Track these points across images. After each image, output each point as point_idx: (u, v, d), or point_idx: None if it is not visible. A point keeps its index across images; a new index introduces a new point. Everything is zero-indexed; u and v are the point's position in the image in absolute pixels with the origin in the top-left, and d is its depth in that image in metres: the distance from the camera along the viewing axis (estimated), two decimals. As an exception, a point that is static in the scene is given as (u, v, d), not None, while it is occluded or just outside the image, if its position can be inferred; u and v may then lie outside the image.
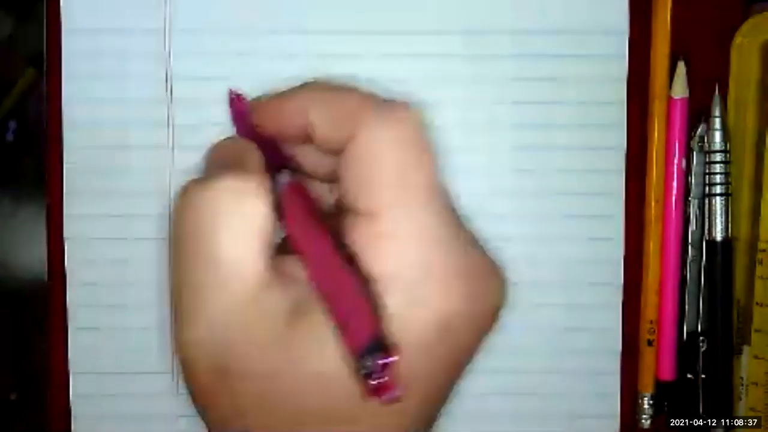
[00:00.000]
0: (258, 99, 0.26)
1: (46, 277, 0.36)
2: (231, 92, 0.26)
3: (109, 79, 0.36)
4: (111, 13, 0.35)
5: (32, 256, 0.36)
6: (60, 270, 0.36)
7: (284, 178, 0.24)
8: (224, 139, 0.26)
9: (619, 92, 0.36)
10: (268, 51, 0.36)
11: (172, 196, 0.36)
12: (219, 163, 0.25)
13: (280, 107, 0.25)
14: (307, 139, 0.24)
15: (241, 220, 0.23)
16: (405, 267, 0.22)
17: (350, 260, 0.22)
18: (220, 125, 0.35)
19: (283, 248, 0.24)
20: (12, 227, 0.36)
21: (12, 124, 0.36)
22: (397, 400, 0.20)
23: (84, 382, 0.36)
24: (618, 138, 0.36)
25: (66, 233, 0.36)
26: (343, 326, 0.21)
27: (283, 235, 0.24)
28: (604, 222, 0.37)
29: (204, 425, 0.24)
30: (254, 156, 0.25)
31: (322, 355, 0.22)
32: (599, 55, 0.36)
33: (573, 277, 0.37)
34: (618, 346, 0.37)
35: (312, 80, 0.25)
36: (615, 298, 0.37)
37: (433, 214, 0.23)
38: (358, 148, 0.23)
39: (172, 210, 0.24)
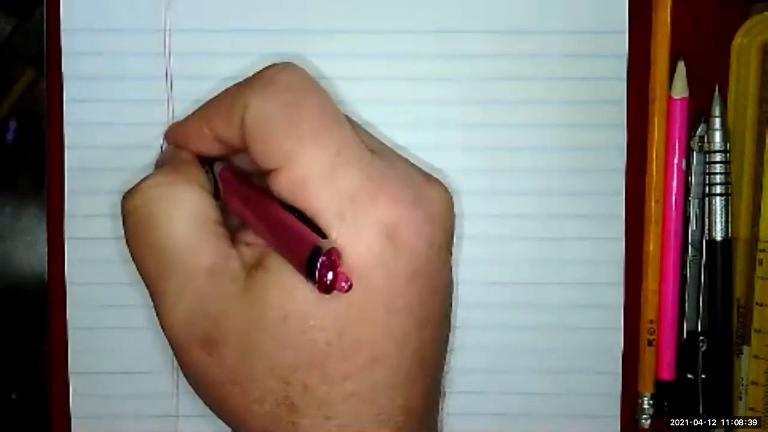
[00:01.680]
0: (167, 131, 0.29)
1: (46, 277, 0.36)
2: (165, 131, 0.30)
3: (108, 79, 0.36)
4: (110, 12, 0.35)
5: (32, 256, 0.36)
6: (60, 270, 0.36)
7: (218, 166, 0.28)
8: (163, 151, 0.30)
9: (620, 92, 0.36)
10: (269, 51, 0.36)
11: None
12: (155, 167, 0.28)
13: (182, 128, 0.28)
14: (226, 147, 0.27)
15: (176, 208, 0.25)
16: (331, 196, 0.23)
17: (291, 210, 0.24)
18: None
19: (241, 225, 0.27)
20: (12, 227, 0.36)
21: (12, 124, 0.36)
22: (350, 287, 0.22)
23: (84, 382, 0.36)
24: (618, 138, 0.36)
25: (66, 233, 0.36)
26: (289, 252, 0.23)
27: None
28: (604, 222, 0.37)
29: (210, 409, 0.26)
30: (185, 155, 0.28)
31: (284, 297, 0.23)
32: (599, 54, 0.36)
33: (573, 276, 0.37)
34: (618, 345, 0.37)
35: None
36: (615, 297, 0.37)
37: (339, 138, 0.24)
38: (248, 123, 0.24)
39: (122, 211, 0.26)
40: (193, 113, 0.28)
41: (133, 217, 0.26)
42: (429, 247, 0.24)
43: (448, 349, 0.27)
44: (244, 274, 0.24)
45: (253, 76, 0.25)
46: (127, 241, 0.26)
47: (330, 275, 0.22)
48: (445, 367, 0.27)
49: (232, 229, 0.27)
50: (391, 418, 0.24)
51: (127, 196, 0.26)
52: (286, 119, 0.24)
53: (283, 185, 0.24)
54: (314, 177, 0.23)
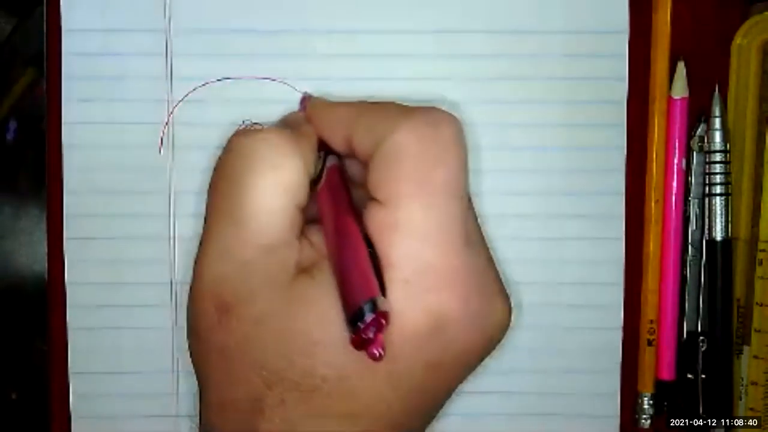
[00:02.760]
0: (317, 100, 0.29)
1: (46, 277, 0.36)
2: (304, 95, 0.30)
3: (108, 79, 0.36)
4: (110, 12, 0.35)
5: (32, 256, 0.36)
6: (60, 270, 0.36)
7: (331, 160, 0.27)
8: (294, 112, 0.29)
9: (620, 92, 0.36)
10: (268, 51, 0.36)
11: (172, 195, 0.36)
12: (277, 124, 0.27)
13: (327, 113, 0.27)
14: (349, 149, 0.26)
15: (273, 172, 0.24)
16: (409, 259, 0.23)
17: (369, 244, 0.24)
18: (220, 125, 0.35)
19: (315, 220, 0.26)
20: (12, 227, 0.36)
21: (12, 124, 0.36)
22: (380, 358, 0.22)
23: (84, 382, 0.36)
24: (618, 138, 0.36)
25: (66, 233, 0.36)
26: (346, 284, 0.23)
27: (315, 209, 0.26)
28: (604, 221, 0.37)
29: (193, 367, 0.26)
30: (309, 130, 0.27)
31: (315, 317, 0.23)
32: (599, 54, 0.36)
33: (573, 276, 0.37)
34: (618, 345, 0.37)
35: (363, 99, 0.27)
36: (615, 297, 0.37)
37: (449, 213, 0.24)
38: (386, 147, 0.24)
39: (229, 144, 0.26)
40: (345, 105, 0.27)
41: (233, 156, 0.25)
42: (465, 364, 0.24)
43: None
44: (294, 271, 0.24)
45: (417, 108, 0.25)
46: (215, 171, 0.26)
47: (370, 335, 0.22)
48: None
49: (307, 218, 0.26)
50: None
51: (240, 133, 0.25)
52: (419, 164, 0.23)
53: (377, 221, 0.23)
54: (406, 232, 0.23)
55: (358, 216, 0.24)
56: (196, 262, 0.25)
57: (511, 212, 0.37)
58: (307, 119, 0.28)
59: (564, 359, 0.37)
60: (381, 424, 0.24)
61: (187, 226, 0.36)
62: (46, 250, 0.36)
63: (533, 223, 0.37)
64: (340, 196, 0.26)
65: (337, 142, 0.27)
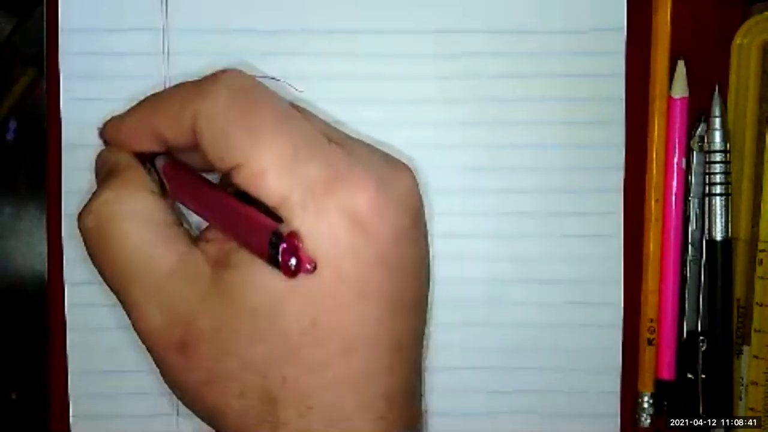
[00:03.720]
0: (102, 128, 0.29)
1: (46, 276, 0.36)
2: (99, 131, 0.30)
3: (107, 78, 0.36)
4: (109, 12, 0.35)
5: (32, 255, 0.36)
6: (60, 270, 0.36)
7: (161, 160, 0.27)
8: (99, 153, 0.29)
9: (618, 89, 0.36)
10: (267, 50, 0.36)
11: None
12: (99, 177, 0.28)
13: (121, 125, 0.28)
14: (163, 142, 0.26)
15: (128, 221, 0.25)
16: (291, 186, 0.23)
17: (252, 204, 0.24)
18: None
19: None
20: (12, 227, 0.36)
21: (12, 124, 0.36)
22: (315, 269, 0.22)
23: (84, 383, 0.36)
24: (617, 135, 0.36)
25: (66, 233, 0.36)
26: (248, 241, 0.24)
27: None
28: (603, 220, 0.37)
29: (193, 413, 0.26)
30: (125, 158, 0.27)
31: (253, 291, 0.23)
32: (598, 52, 0.36)
33: (572, 275, 0.37)
34: (617, 344, 0.37)
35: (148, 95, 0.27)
36: (615, 297, 0.37)
37: (293, 133, 0.24)
38: (200, 126, 0.24)
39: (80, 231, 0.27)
40: (132, 111, 0.27)
41: (90, 238, 0.26)
42: (396, 232, 0.24)
43: (426, 331, 0.27)
44: (209, 272, 0.24)
45: (200, 80, 0.25)
46: (90, 258, 0.27)
47: (293, 260, 0.22)
48: (424, 351, 0.27)
49: (191, 227, 0.27)
50: (373, 405, 0.24)
51: (81, 217, 0.26)
52: (241, 119, 0.24)
53: (243, 180, 0.24)
54: (274, 169, 0.23)
55: (219, 187, 0.25)
56: (135, 329, 0.26)
57: (510, 210, 0.37)
58: (111, 143, 0.29)
59: (564, 358, 0.37)
60: (382, 343, 0.24)
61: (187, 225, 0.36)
62: (46, 250, 0.36)
63: (533, 220, 0.37)
64: (192, 183, 0.26)
65: (151, 146, 0.27)
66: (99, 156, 0.29)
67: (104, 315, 0.36)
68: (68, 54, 0.36)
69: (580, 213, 0.37)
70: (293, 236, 0.22)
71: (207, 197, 0.26)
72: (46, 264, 0.36)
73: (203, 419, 0.25)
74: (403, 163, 0.26)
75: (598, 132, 0.36)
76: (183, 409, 0.36)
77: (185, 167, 0.27)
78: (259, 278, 0.23)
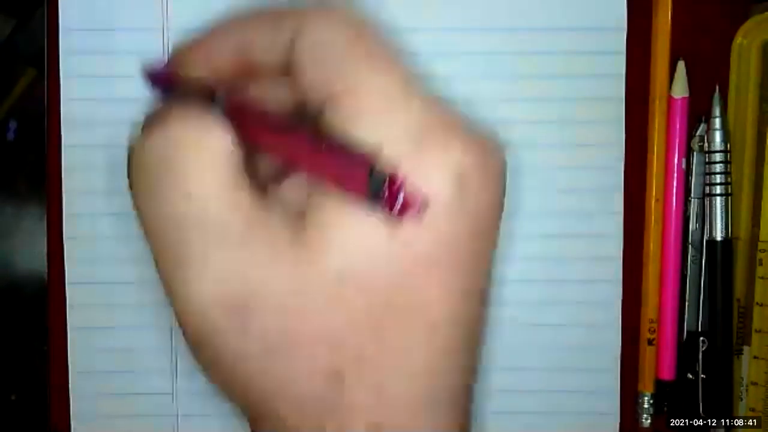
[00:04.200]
0: (175, 52, 0.24)
1: (46, 277, 0.36)
2: (145, 69, 0.25)
3: (107, 78, 0.36)
4: (109, 12, 0.35)
5: (32, 255, 0.36)
6: (60, 270, 0.36)
7: (220, 97, 0.23)
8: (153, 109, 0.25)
9: (618, 89, 0.36)
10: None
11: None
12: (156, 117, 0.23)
13: (207, 48, 0.24)
14: (246, 68, 0.23)
15: (205, 152, 0.21)
16: (398, 130, 0.20)
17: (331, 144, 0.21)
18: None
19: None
20: (12, 227, 0.36)
21: (12, 124, 0.36)
22: (424, 209, 0.19)
23: (84, 382, 0.36)
24: (617, 134, 0.36)
25: (66, 233, 0.36)
26: (341, 182, 0.20)
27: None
28: (603, 220, 0.37)
29: (211, 383, 0.22)
30: (198, 87, 0.23)
31: (342, 254, 0.20)
32: (598, 52, 0.36)
33: (573, 275, 0.37)
34: (618, 345, 0.37)
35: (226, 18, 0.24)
36: (615, 296, 0.37)
37: (402, 72, 0.21)
38: (301, 46, 0.21)
39: (135, 151, 0.22)
40: (213, 31, 0.24)
41: (155, 157, 0.22)
42: (494, 205, 0.22)
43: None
44: (289, 231, 0.21)
45: (303, 7, 0.22)
46: (137, 191, 0.22)
47: (401, 199, 0.19)
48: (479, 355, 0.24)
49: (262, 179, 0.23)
50: (438, 396, 0.22)
51: (144, 143, 0.22)
52: (348, 45, 0.21)
53: (342, 115, 0.21)
54: (381, 107, 0.20)
55: (301, 125, 0.22)
56: (179, 292, 0.22)
57: (510, 210, 0.36)
58: (186, 69, 0.24)
59: (564, 358, 0.37)
60: (460, 326, 0.21)
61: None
62: (46, 250, 0.36)
63: (532, 220, 0.37)
64: (263, 118, 0.23)
65: (231, 67, 0.23)
66: (170, 92, 0.25)
67: (104, 315, 0.36)
68: (68, 54, 0.36)
69: (581, 213, 0.37)
70: (399, 174, 0.19)
71: (285, 134, 0.22)
72: (46, 264, 0.36)
73: (245, 405, 0.22)
74: (498, 139, 0.23)
75: (598, 132, 0.36)
76: (183, 409, 0.37)
77: (250, 99, 0.23)
78: (355, 238, 0.20)
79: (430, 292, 0.21)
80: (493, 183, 0.22)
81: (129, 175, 0.23)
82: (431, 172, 0.20)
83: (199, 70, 0.24)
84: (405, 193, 0.19)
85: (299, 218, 0.21)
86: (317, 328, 0.20)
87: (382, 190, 0.19)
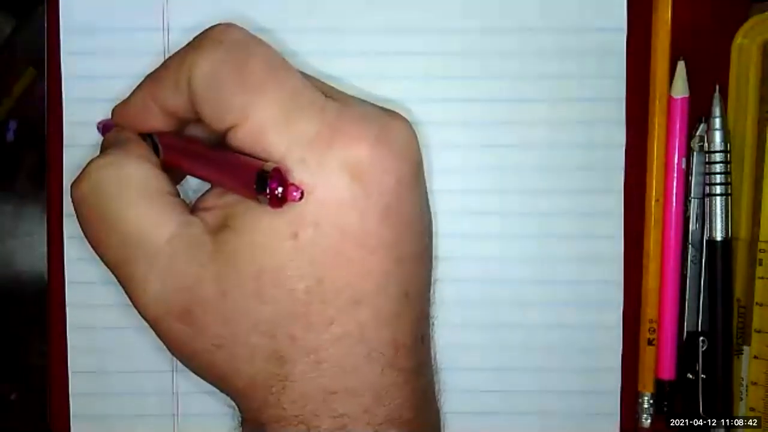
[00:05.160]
0: (113, 113, 0.28)
1: (46, 276, 0.36)
2: (98, 124, 0.30)
3: (107, 78, 0.36)
4: (109, 12, 0.35)
5: (32, 255, 0.36)
6: (60, 269, 0.36)
7: (157, 135, 0.27)
8: (103, 138, 0.29)
9: (619, 89, 0.36)
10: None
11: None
12: (101, 152, 0.27)
13: (127, 107, 0.27)
14: (170, 116, 0.26)
15: (126, 186, 0.25)
16: (292, 140, 0.23)
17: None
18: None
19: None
20: (12, 227, 0.36)
21: (12, 124, 0.36)
22: (302, 196, 0.22)
23: (84, 382, 0.36)
24: (618, 135, 0.37)
25: (66, 233, 0.36)
26: (235, 184, 0.24)
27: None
28: (604, 220, 0.37)
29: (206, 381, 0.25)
30: (127, 134, 0.27)
31: (256, 252, 0.23)
32: (598, 52, 0.36)
33: (572, 275, 0.37)
34: (618, 345, 0.37)
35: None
36: (615, 296, 0.37)
37: (287, 88, 0.24)
38: (195, 84, 0.24)
39: (72, 201, 0.26)
40: (136, 89, 0.27)
41: (85, 205, 0.25)
42: (397, 183, 0.24)
43: (433, 280, 0.27)
44: (210, 239, 0.24)
45: (195, 38, 0.25)
46: (83, 231, 0.26)
47: (280, 189, 0.22)
48: (432, 299, 0.27)
49: (187, 199, 0.27)
50: (381, 354, 0.24)
51: (75, 183, 0.25)
52: (234, 75, 0.23)
53: (242, 140, 0.23)
54: (270, 126, 0.23)
55: (210, 145, 0.25)
56: (133, 303, 0.25)
57: (510, 210, 0.37)
58: (120, 126, 0.28)
59: (564, 358, 0.37)
60: (389, 293, 0.24)
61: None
62: (46, 250, 0.36)
63: (533, 220, 0.37)
64: (182, 142, 0.26)
65: (158, 123, 0.26)
66: (103, 140, 0.28)
67: (104, 315, 0.36)
68: (68, 54, 0.36)
69: (581, 213, 0.37)
70: (280, 169, 0.22)
71: (196, 152, 0.26)
72: (46, 264, 0.36)
73: (213, 384, 0.25)
74: (400, 115, 0.25)
75: (598, 132, 0.37)
76: (183, 409, 0.37)
77: (180, 134, 0.27)
78: (262, 239, 0.23)
79: (349, 272, 0.23)
80: (395, 162, 0.24)
81: (76, 213, 0.26)
82: (325, 174, 0.23)
83: (131, 126, 0.27)
84: (284, 186, 0.22)
85: (222, 226, 0.24)
86: (250, 322, 0.23)
87: (265, 185, 0.22)
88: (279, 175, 0.22)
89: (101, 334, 0.36)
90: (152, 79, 0.26)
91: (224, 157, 0.24)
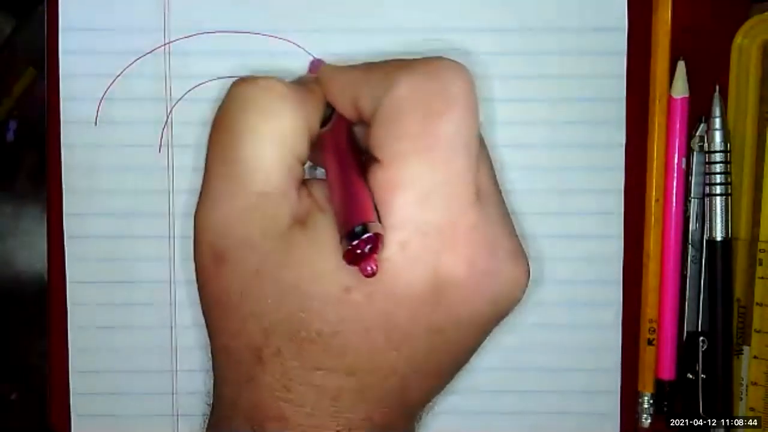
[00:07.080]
0: (328, 65, 0.27)
1: (46, 276, 0.36)
2: (314, 60, 0.30)
3: (107, 78, 0.36)
4: (109, 12, 0.35)
5: (32, 255, 0.36)
6: (60, 269, 0.36)
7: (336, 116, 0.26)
8: (306, 75, 0.28)
9: (619, 89, 0.36)
10: (268, 50, 0.36)
11: (172, 194, 0.36)
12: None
13: (336, 76, 0.26)
14: (358, 114, 0.25)
15: (271, 119, 0.24)
16: (408, 220, 0.22)
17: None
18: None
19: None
20: (12, 227, 0.36)
21: (12, 124, 0.36)
22: (373, 274, 0.21)
23: (84, 382, 0.36)
24: (618, 135, 0.37)
25: (66, 233, 0.36)
26: (344, 208, 0.22)
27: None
28: (604, 220, 0.37)
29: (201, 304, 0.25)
30: (316, 88, 0.26)
31: (309, 269, 0.22)
32: (598, 52, 0.36)
33: (573, 275, 0.37)
34: (618, 345, 0.37)
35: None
36: (615, 296, 0.37)
37: (454, 169, 0.22)
38: (385, 104, 0.23)
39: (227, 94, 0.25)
40: (351, 68, 0.26)
41: (232, 104, 0.24)
42: (472, 330, 0.24)
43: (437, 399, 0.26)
44: (288, 221, 0.23)
45: (417, 60, 0.24)
46: (214, 119, 0.25)
47: (359, 251, 0.21)
48: (426, 408, 0.26)
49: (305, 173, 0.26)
50: (348, 424, 0.23)
51: (240, 81, 0.24)
52: (419, 119, 0.22)
53: (377, 180, 0.22)
54: (406, 192, 0.22)
55: (362, 173, 0.24)
56: (195, 213, 0.24)
57: (511, 209, 0.37)
58: (317, 82, 0.27)
59: (564, 358, 0.37)
60: (390, 383, 0.23)
61: (187, 225, 0.35)
62: (46, 249, 0.36)
63: (533, 220, 0.37)
64: (344, 145, 0.25)
65: (345, 107, 0.25)
66: (303, 75, 0.28)
67: (104, 314, 0.36)
68: (68, 54, 0.36)
69: (581, 213, 0.37)
70: (380, 238, 0.21)
71: (341, 157, 0.24)
72: (46, 264, 0.36)
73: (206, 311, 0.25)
74: (524, 261, 0.25)
75: (598, 132, 0.37)
76: (183, 409, 0.37)
77: (355, 138, 0.26)
78: (317, 261, 0.22)
79: (369, 346, 0.22)
80: (480, 308, 0.24)
81: (221, 104, 0.25)
82: (412, 268, 0.22)
83: (327, 93, 0.26)
84: (371, 252, 0.21)
85: (304, 216, 0.23)
86: (261, 309, 0.22)
87: (352, 238, 0.21)
88: (373, 242, 0.21)
89: (101, 334, 0.36)
90: (369, 71, 0.25)
91: (356, 182, 0.23)
